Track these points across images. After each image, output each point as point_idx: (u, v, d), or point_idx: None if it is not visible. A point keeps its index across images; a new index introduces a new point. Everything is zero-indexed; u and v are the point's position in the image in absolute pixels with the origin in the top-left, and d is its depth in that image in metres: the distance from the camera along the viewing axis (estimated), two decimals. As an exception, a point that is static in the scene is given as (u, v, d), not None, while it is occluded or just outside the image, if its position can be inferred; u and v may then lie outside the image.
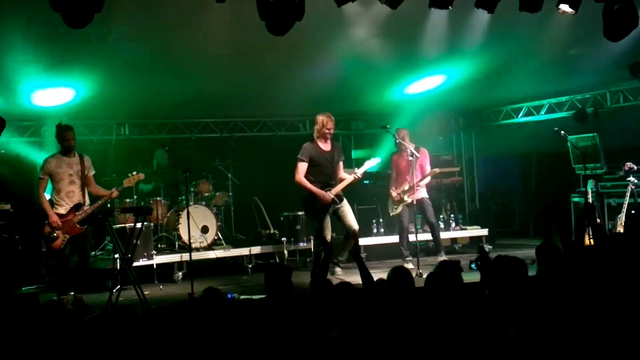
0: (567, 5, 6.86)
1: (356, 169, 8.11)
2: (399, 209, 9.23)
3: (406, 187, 9.14)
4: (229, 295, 6.47)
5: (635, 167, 9.23)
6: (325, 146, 7.93)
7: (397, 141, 8.97)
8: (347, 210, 7.97)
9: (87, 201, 7.57)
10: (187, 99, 9.55)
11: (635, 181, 9.07)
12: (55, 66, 7.96)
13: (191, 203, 9.47)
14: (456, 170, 11.76)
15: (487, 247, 10.43)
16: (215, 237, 9.73)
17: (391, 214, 9.45)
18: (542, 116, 11.72)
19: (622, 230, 8.99)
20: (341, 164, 8.10)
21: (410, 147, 8.70)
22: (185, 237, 8.84)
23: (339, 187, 7.90)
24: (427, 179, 9.26)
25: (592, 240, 8.85)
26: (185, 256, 8.64)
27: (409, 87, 10.21)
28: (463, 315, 3.60)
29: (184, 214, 9.04)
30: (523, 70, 9.40)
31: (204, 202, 9.90)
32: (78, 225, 7.37)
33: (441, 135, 12.98)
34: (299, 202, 8.30)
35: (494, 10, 6.71)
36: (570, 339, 2.96)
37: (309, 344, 3.60)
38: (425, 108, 11.07)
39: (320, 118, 7.91)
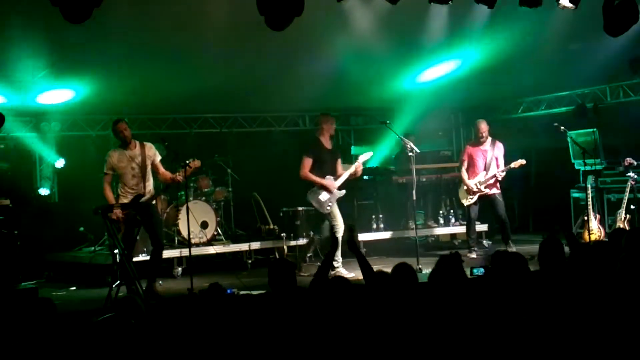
0: (567, 0, 6.85)
1: (356, 163, 8.48)
2: (474, 199, 9.42)
3: (481, 179, 9.28)
4: (229, 291, 6.48)
5: (635, 163, 9.22)
6: (329, 144, 8.45)
7: (402, 141, 8.83)
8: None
9: (151, 190, 7.58)
10: (186, 94, 9.51)
11: (635, 176, 9.06)
12: (55, 63, 7.93)
13: (190, 198, 9.45)
14: (455, 166, 11.73)
15: (487, 243, 10.45)
16: (215, 233, 9.73)
17: (465, 204, 9.61)
18: (542, 111, 11.70)
19: (621, 226, 9.00)
20: (339, 160, 8.56)
21: (410, 143, 8.60)
22: (184, 233, 8.83)
23: (341, 179, 8.34)
24: (503, 174, 9.30)
25: (591, 237, 8.94)
26: (185, 251, 8.63)
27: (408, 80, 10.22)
28: (467, 311, 3.60)
29: (183, 210, 9.02)
30: (522, 66, 9.38)
31: (203, 198, 9.89)
32: (138, 217, 7.35)
33: (440, 131, 12.98)
34: (298, 198, 8.31)
35: (493, 5, 6.69)
36: (570, 336, 2.96)
37: (308, 340, 3.60)
38: (424, 104, 11.04)
39: (325, 118, 8.48)
